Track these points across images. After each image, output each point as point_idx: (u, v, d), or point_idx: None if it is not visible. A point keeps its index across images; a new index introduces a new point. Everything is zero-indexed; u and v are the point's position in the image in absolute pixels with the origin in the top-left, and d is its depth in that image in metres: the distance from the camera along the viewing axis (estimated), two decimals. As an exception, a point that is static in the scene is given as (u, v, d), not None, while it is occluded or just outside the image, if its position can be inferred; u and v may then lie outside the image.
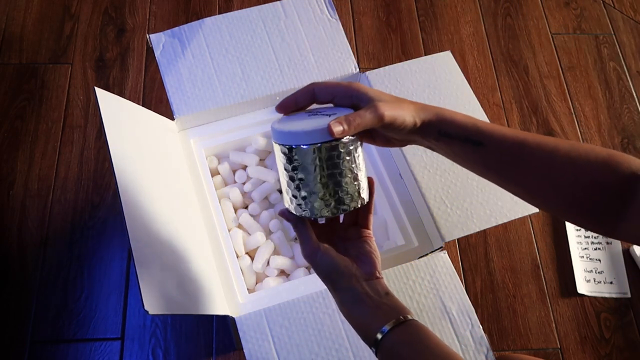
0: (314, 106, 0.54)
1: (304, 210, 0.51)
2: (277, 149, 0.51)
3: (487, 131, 0.51)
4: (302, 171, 0.50)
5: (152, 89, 1.26)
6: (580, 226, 0.53)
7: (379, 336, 0.48)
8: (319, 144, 0.48)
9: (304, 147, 0.48)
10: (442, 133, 0.52)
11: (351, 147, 0.50)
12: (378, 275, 0.53)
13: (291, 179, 0.51)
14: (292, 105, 0.53)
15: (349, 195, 0.51)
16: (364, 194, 0.53)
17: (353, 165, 0.50)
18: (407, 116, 0.50)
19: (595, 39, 1.44)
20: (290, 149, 0.49)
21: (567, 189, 0.49)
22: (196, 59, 0.80)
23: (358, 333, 0.52)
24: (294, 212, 0.53)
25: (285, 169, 0.51)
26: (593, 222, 0.50)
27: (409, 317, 0.50)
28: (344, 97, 0.52)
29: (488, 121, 0.75)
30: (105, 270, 1.07)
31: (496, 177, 0.53)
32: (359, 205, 0.52)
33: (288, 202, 0.53)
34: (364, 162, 0.52)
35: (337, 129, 0.47)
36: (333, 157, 0.49)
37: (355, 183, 0.51)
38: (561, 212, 0.52)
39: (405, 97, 0.78)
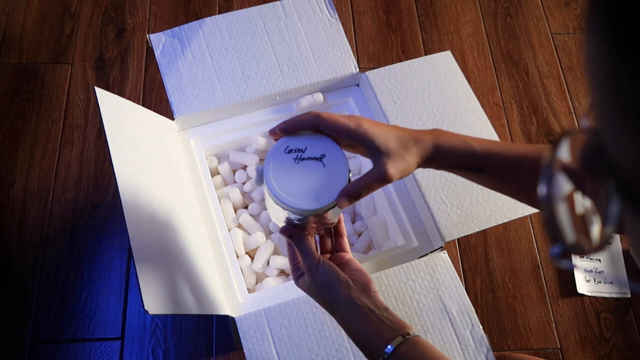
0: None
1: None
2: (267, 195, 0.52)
3: (486, 157, 0.51)
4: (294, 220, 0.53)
5: (152, 89, 1.26)
6: None
7: (385, 355, 0.49)
8: (313, 213, 0.50)
9: (297, 213, 0.51)
10: (442, 165, 0.52)
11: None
12: (374, 289, 0.53)
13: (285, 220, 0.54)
14: (295, 131, 0.52)
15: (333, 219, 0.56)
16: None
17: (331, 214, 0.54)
18: (412, 166, 0.51)
19: (595, 39, 1.44)
20: (291, 211, 0.50)
21: None
22: (196, 59, 0.80)
23: (361, 350, 0.51)
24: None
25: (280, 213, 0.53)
26: None
27: (412, 333, 0.50)
28: (351, 139, 0.51)
29: (489, 124, 0.75)
30: (105, 270, 1.07)
31: (499, 190, 0.55)
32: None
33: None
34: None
35: (346, 205, 0.49)
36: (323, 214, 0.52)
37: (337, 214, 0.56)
38: None
39: (405, 98, 0.79)
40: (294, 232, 0.55)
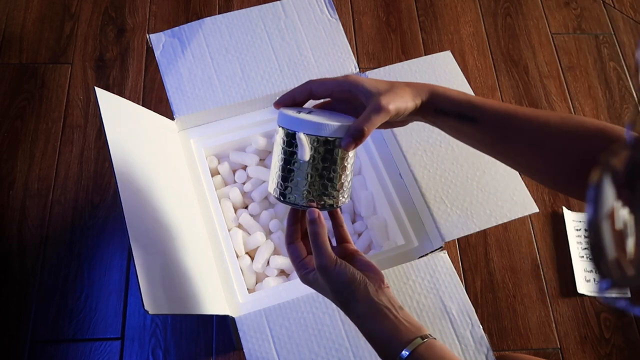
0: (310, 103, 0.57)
1: (285, 195, 0.53)
2: (280, 133, 0.53)
3: (479, 107, 0.52)
4: (297, 159, 0.52)
5: (152, 89, 1.26)
6: (577, 199, 0.53)
7: (402, 357, 0.48)
8: (323, 137, 0.50)
9: (307, 135, 0.50)
10: (438, 110, 0.53)
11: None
12: (387, 285, 0.53)
13: (286, 162, 0.52)
14: (289, 102, 0.55)
15: (331, 193, 0.53)
16: (344, 198, 0.55)
17: (344, 165, 0.53)
18: (409, 102, 0.51)
19: (595, 38, 1.44)
20: (295, 134, 0.51)
21: (559, 160, 0.49)
22: (196, 59, 0.80)
23: (376, 350, 0.51)
24: (273, 194, 0.55)
25: (284, 153, 0.52)
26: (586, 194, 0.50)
27: (428, 335, 0.49)
28: (341, 91, 0.53)
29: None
30: (105, 270, 1.07)
31: (491, 151, 0.54)
32: (337, 206, 0.54)
33: (272, 186, 0.55)
34: (352, 166, 0.54)
35: (349, 144, 0.50)
36: (330, 152, 0.51)
37: (339, 185, 0.53)
38: (558, 185, 0.52)
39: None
40: (317, 220, 0.52)
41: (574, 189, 0.50)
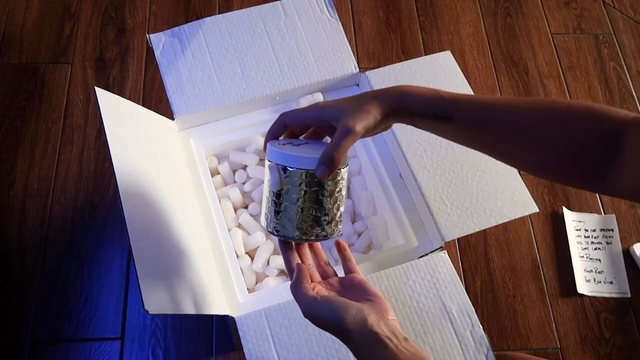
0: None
1: (278, 230, 0.53)
2: (268, 167, 0.53)
3: (454, 104, 0.51)
4: (287, 193, 0.52)
5: (152, 89, 1.26)
6: (565, 184, 0.51)
7: None
8: (311, 171, 0.50)
9: (294, 169, 0.51)
10: (412, 114, 0.52)
11: (336, 179, 0.52)
12: (393, 318, 0.49)
13: (277, 197, 0.52)
14: (272, 139, 0.55)
15: (322, 226, 0.53)
16: (336, 229, 0.54)
17: (334, 195, 0.53)
18: (377, 115, 0.51)
19: (595, 38, 1.44)
20: (285, 169, 0.51)
21: (548, 147, 0.48)
22: (196, 58, 0.80)
23: None
24: (266, 227, 0.55)
25: (272, 188, 0.52)
26: (576, 179, 0.49)
27: None
28: (312, 121, 0.53)
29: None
30: (105, 270, 1.07)
31: (474, 146, 0.53)
32: (330, 237, 0.54)
33: (264, 220, 0.55)
34: (344, 195, 0.54)
35: (324, 173, 0.49)
36: (316, 184, 0.51)
37: (330, 216, 0.53)
38: (547, 172, 0.51)
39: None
40: (296, 270, 0.52)
41: (567, 175, 0.49)
